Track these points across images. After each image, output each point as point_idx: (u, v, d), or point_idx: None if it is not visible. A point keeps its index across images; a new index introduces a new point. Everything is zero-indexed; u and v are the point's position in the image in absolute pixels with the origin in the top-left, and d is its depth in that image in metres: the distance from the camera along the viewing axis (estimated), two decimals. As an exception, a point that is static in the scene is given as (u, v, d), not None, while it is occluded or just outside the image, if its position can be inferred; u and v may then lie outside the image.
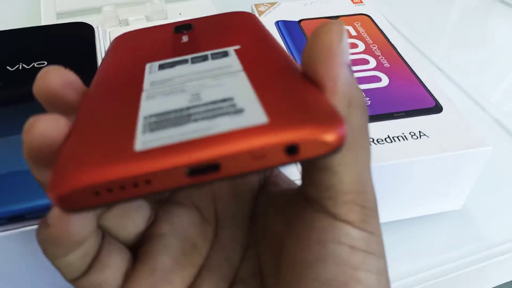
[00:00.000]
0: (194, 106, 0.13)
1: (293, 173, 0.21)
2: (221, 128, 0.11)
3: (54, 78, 0.15)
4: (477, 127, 0.28)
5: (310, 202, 0.15)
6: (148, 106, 0.14)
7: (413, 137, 0.27)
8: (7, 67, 0.29)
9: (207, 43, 0.18)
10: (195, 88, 0.14)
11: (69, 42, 0.33)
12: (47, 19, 0.48)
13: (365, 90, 0.31)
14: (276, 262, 0.16)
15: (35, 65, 0.30)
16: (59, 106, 0.15)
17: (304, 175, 0.16)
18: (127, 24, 0.45)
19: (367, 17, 0.38)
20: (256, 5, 0.39)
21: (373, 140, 0.27)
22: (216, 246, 0.18)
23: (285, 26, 0.37)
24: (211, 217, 0.19)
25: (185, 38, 0.19)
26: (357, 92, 0.14)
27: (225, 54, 0.17)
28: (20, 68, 0.29)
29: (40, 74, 0.15)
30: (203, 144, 0.11)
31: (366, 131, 0.15)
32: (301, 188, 0.16)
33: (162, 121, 0.12)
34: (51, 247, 0.14)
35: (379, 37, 0.36)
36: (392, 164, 0.26)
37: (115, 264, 0.16)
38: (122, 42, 0.20)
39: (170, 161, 0.11)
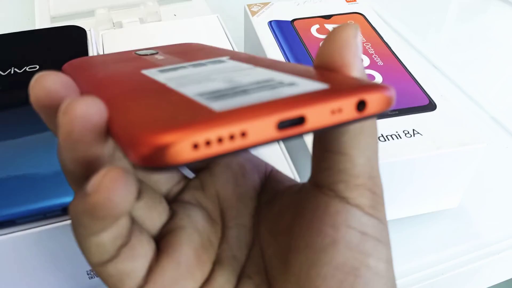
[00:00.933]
0: (242, 85, 0.13)
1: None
2: (290, 92, 0.12)
3: (52, 81, 0.14)
4: (473, 124, 0.28)
5: (322, 188, 0.16)
6: (189, 90, 0.13)
7: (406, 135, 0.27)
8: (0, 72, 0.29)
9: (184, 59, 0.19)
10: (224, 77, 0.15)
11: (61, 45, 0.33)
12: (41, 22, 0.48)
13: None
14: (282, 257, 0.17)
15: (27, 69, 0.29)
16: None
17: (316, 162, 0.16)
18: (121, 27, 0.45)
19: (360, 16, 0.38)
20: (249, 5, 0.39)
21: (367, 139, 0.27)
22: (223, 245, 0.19)
23: (278, 26, 0.37)
24: (217, 217, 0.19)
25: (155, 58, 0.20)
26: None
27: (221, 61, 0.17)
28: (12, 72, 0.29)
29: (36, 78, 0.14)
30: (289, 101, 0.12)
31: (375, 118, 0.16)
32: (312, 176, 0.17)
33: (221, 95, 0.13)
34: (87, 220, 0.13)
35: (373, 35, 0.36)
36: (386, 163, 0.26)
37: (144, 253, 0.16)
38: (80, 65, 0.20)
39: (263, 114, 0.11)
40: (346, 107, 0.12)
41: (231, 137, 0.11)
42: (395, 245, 0.29)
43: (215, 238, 0.19)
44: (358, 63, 0.15)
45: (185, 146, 0.11)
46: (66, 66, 0.20)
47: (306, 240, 0.16)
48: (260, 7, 0.39)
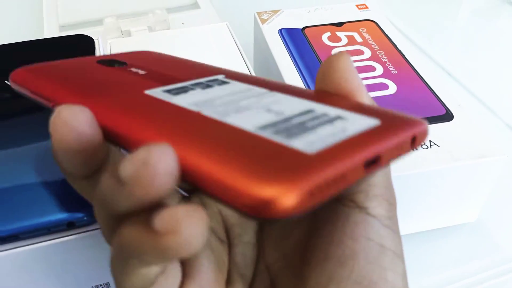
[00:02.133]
0: (292, 117, 0.14)
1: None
2: (352, 130, 0.13)
3: (80, 120, 0.13)
4: (492, 135, 0.27)
5: (341, 199, 0.16)
6: (242, 122, 0.14)
7: (423, 146, 0.26)
8: (6, 81, 0.29)
9: (167, 73, 0.19)
10: (258, 104, 0.15)
11: (70, 54, 0.32)
12: (50, 31, 0.48)
13: (372, 98, 0.30)
14: (294, 271, 0.16)
15: (33, 79, 0.29)
16: (89, 153, 0.14)
17: None
18: (130, 35, 0.45)
19: (372, 23, 0.37)
20: (258, 13, 0.39)
21: (381, 150, 0.26)
22: (231, 264, 0.18)
23: (288, 33, 0.36)
24: (223, 235, 0.19)
25: (132, 72, 0.20)
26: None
27: (225, 82, 0.18)
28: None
29: (58, 115, 0.13)
30: (367, 140, 0.13)
31: None
32: None
33: (288, 131, 0.13)
34: (149, 256, 0.12)
35: (386, 43, 0.35)
36: (402, 176, 0.25)
37: (176, 279, 0.15)
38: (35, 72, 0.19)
39: (355, 156, 0.12)
40: (406, 143, 0.13)
41: (335, 181, 0.11)
42: (412, 260, 0.28)
43: (225, 257, 0.18)
44: (365, 88, 0.16)
45: (304, 195, 0.11)
46: (18, 74, 0.19)
47: (325, 252, 0.15)
48: (270, 15, 0.38)
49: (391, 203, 0.16)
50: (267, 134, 0.13)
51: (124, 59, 0.22)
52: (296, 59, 0.33)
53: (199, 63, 0.21)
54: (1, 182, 0.22)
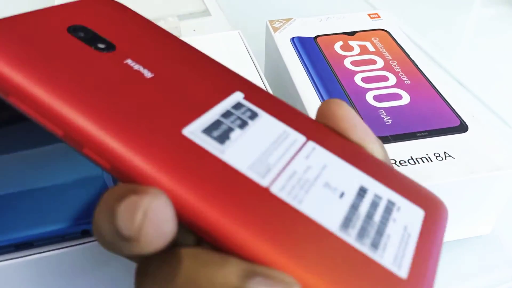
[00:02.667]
0: (356, 205, 0.15)
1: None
2: (412, 231, 0.15)
3: (170, 222, 0.12)
4: (505, 145, 0.27)
5: None
6: (317, 213, 0.14)
7: (438, 158, 0.26)
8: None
9: (175, 73, 0.17)
10: (317, 180, 0.15)
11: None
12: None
13: (385, 109, 0.30)
14: None
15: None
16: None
17: None
18: (141, 42, 0.45)
19: (385, 32, 0.37)
20: (270, 21, 0.39)
21: (395, 161, 0.26)
22: None
23: (300, 42, 0.36)
24: None
25: (130, 67, 0.16)
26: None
27: (253, 113, 0.17)
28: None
29: (150, 222, 0.12)
30: (429, 248, 0.14)
31: None
32: None
33: (362, 232, 0.14)
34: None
35: (398, 52, 0.35)
36: (416, 187, 0.25)
37: None
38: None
39: (432, 276, 0.13)
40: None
41: None
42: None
43: None
44: (372, 134, 0.18)
45: None
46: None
47: None
48: (282, 23, 0.38)
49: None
50: (352, 241, 0.13)
51: (96, 27, 0.17)
52: (308, 67, 0.33)
53: (193, 52, 0.19)
54: (16, 189, 0.22)
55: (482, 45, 0.51)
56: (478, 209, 0.27)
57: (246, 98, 0.18)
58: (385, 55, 0.35)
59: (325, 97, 0.31)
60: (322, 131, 0.17)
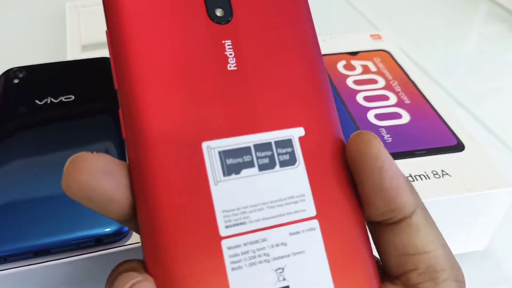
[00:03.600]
0: None
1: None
2: None
3: (92, 173, 0.13)
4: (501, 164, 0.28)
5: None
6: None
7: (435, 176, 0.27)
8: (36, 100, 0.30)
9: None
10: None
11: (95, 77, 0.34)
12: (72, 51, 0.50)
13: (386, 127, 0.31)
14: None
15: (63, 99, 0.30)
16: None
17: (393, 267, 0.16)
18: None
19: (386, 53, 0.39)
20: (276, 41, 0.40)
21: (395, 178, 0.27)
22: None
23: (305, 61, 0.37)
24: None
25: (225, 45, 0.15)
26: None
27: (291, 162, 0.15)
28: (49, 102, 0.30)
29: (72, 162, 0.13)
30: None
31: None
32: (392, 280, 0.16)
33: None
34: None
35: (399, 73, 0.36)
36: (414, 204, 0.26)
37: None
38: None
39: None
40: None
41: None
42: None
43: None
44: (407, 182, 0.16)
45: None
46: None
47: None
48: (287, 43, 0.40)
49: (460, 281, 0.15)
50: None
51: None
52: (312, 86, 0.35)
53: (306, 65, 0.16)
54: (34, 198, 0.23)
55: (480, 64, 0.53)
56: (474, 226, 0.28)
57: (303, 138, 0.15)
58: (386, 75, 0.36)
59: (328, 115, 0.32)
60: (345, 214, 0.15)
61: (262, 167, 0.14)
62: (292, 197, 0.14)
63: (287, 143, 0.15)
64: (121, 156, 0.26)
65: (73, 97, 0.31)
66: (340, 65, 0.37)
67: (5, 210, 0.23)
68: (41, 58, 0.35)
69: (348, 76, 0.36)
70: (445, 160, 0.28)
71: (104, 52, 0.40)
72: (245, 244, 0.13)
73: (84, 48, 0.51)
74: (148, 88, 0.14)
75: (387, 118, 0.32)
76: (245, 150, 0.14)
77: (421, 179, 0.27)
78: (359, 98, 0.34)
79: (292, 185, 0.14)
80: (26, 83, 0.32)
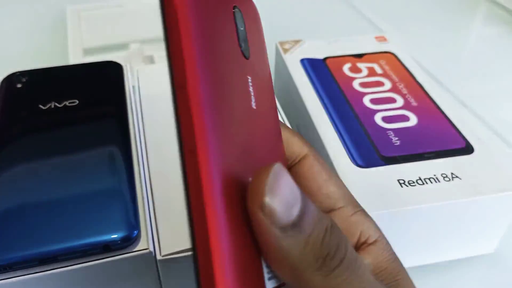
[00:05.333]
0: None
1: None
2: None
3: None
4: (509, 167, 0.28)
5: None
6: None
7: (445, 179, 0.27)
8: (40, 105, 0.30)
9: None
10: None
11: (99, 81, 0.33)
12: (74, 55, 0.49)
13: (393, 130, 0.31)
14: None
15: (67, 104, 0.30)
16: None
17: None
18: (152, 62, 0.46)
19: (392, 55, 0.39)
20: (280, 43, 0.40)
21: (404, 181, 0.27)
22: None
23: (310, 63, 0.37)
24: None
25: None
26: None
27: None
28: (53, 106, 0.30)
29: None
30: None
31: None
32: None
33: None
34: None
35: (405, 75, 0.36)
36: (425, 207, 0.25)
37: None
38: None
39: None
40: None
41: None
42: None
43: None
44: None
45: None
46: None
47: None
48: (292, 45, 0.40)
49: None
50: None
51: (248, 24, 0.15)
52: (318, 88, 0.34)
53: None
54: (39, 204, 0.23)
55: (484, 66, 0.53)
56: (483, 229, 0.28)
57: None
58: (392, 77, 0.36)
59: (335, 117, 0.32)
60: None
61: None
62: None
63: None
64: (125, 160, 0.26)
65: (77, 101, 0.30)
66: (346, 68, 0.37)
67: (10, 216, 0.22)
68: (42, 62, 0.35)
69: (354, 78, 0.36)
70: (454, 162, 0.28)
71: (105, 55, 0.40)
72: None
73: (86, 51, 0.50)
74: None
75: (394, 120, 0.31)
76: None
77: (431, 182, 0.27)
78: (366, 100, 0.33)
79: None
80: (29, 88, 0.32)
